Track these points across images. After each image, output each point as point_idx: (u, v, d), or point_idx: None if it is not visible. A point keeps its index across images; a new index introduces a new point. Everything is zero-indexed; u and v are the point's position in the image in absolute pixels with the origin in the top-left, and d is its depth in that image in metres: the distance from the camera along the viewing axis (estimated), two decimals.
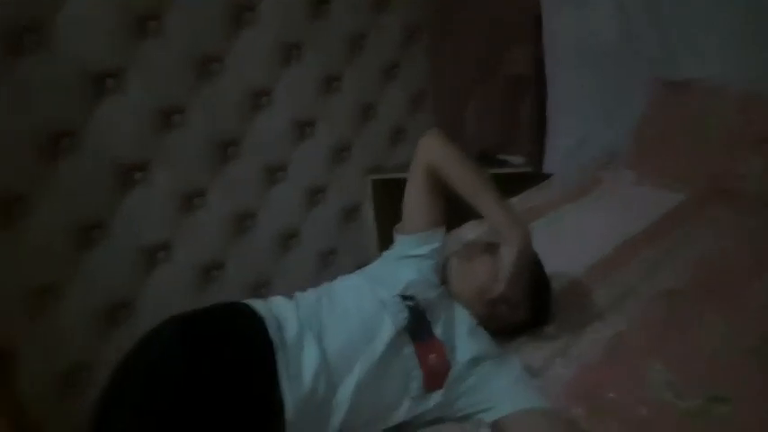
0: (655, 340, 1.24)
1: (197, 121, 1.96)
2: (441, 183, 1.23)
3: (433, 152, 1.24)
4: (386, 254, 1.30)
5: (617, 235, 1.71)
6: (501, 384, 1.08)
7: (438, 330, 1.10)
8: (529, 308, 1.24)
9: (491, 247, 1.22)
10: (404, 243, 1.26)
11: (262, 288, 2.22)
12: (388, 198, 1.96)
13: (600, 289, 1.46)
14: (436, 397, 1.05)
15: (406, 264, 1.22)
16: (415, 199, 1.26)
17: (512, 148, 2.65)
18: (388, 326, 1.05)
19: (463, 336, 1.13)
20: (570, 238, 1.73)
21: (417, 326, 1.09)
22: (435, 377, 1.05)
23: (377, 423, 1.03)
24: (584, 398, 1.09)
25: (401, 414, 1.03)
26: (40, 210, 1.65)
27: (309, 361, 0.98)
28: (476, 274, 1.21)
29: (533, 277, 1.23)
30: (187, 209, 1.98)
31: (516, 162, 2.61)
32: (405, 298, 1.12)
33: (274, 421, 0.92)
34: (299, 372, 0.96)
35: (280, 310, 1.06)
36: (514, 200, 2.01)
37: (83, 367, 1.76)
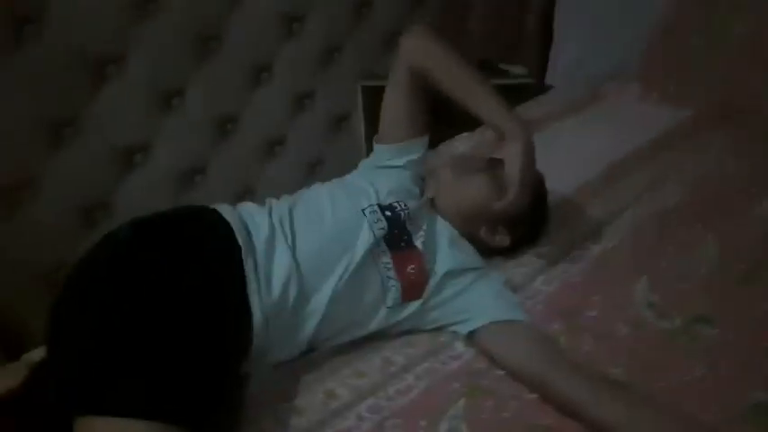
0: (643, 259, 1.20)
1: (177, 11, 1.81)
2: (425, 85, 1.12)
3: (418, 50, 1.12)
4: (364, 162, 1.22)
5: (613, 152, 1.62)
6: (480, 297, 1.04)
7: (418, 241, 1.05)
8: (527, 229, 1.18)
9: (490, 164, 1.13)
10: (382, 152, 1.19)
11: (245, 196, 2.14)
12: (380, 107, 1.86)
13: (592, 207, 1.40)
14: (412, 307, 1.01)
15: (384, 173, 1.15)
16: (396, 105, 1.16)
17: (514, 58, 2.51)
18: (366, 235, 0.99)
19: (444, 247, 1.07)
20: (565, 154, 1.63)
21: (395, 236, 1.03)
22: (413, 287, 1.01)
23: (350, 331, 0.99)
24: (562, 315, 1.06)
25: (376, 323, 1.00)
26: None
27: (280, 268, 0.93)
28: (470, 192, 1.13)
29: (535, 194, 1.14)
30: (166, 109, 1.88)
31: (518, 72, 2.47)
32: (383, 207, 1.05)
33: (241, 329, 0.88)
34: (269, 278, 0.91)
35: (250, 215, 1.00)
36: None
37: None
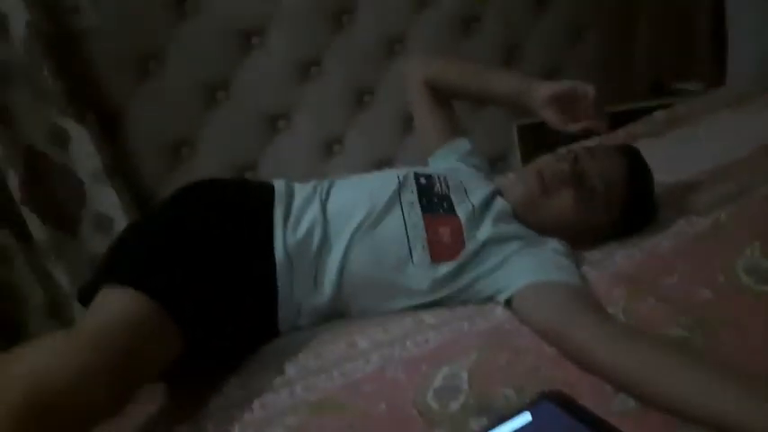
0: (759, 226, 0.96)
1: None
2: (440, 93, 1.22)
3: (419, 65, 1.24)
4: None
5: (763, 137, 1.34)
6: (522, 262, 0.95)
7: (461, 211, 1.02)
8: (616, 204, 1.05)
9: (574, 173, 1.04)
10: (434, 159, 1.24)
11: (383, 165, 2.18)
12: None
13: (721, 186, 1.17)
14: (445, 268, 0.97)
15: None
16: (425, 123, 1.26)
17: (688, 74, 2.26)
18: (392, 189, 1.02)
19: (490, 220, 1.02)
20: (706, 144, 1.42)
21: (434, 201, 1.03)
22: (444, 248, 0.98)
23: (378, 290, 0.98)
24: (632, 281, 0.90)
25: (404, 282, 0.97)
26: None
27: (308, 215, 0.99)
28: (558, 209, 1.05)
29: (632, 170, 1.06)
30: (305, 79, 2.02)
31: (694, 89, 2.22)
32: (419, 175, 1.08)
33: (263, 263, 0.94)
34: (297, 223, 0.98)
35: (302, 186, 1.08)
36: (658, 113, 1.72)
37: None
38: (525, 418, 0.67)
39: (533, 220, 1.06)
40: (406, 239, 0.98)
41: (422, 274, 0.97)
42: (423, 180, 1.07)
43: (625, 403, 0.67)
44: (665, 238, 1.03)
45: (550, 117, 1.06)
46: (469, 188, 1.08)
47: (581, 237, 1.06)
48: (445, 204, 1.03)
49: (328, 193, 1.05)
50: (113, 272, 0.89)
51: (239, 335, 0.93)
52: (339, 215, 1.00)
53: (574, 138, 1.31)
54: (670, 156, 1.37)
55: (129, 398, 0.78)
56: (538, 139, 2.46)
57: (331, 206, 1.01)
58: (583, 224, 1.05)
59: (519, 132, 2.44)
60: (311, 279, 0.97)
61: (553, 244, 1.01)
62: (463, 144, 1.23)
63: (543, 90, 1.06)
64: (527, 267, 0.94)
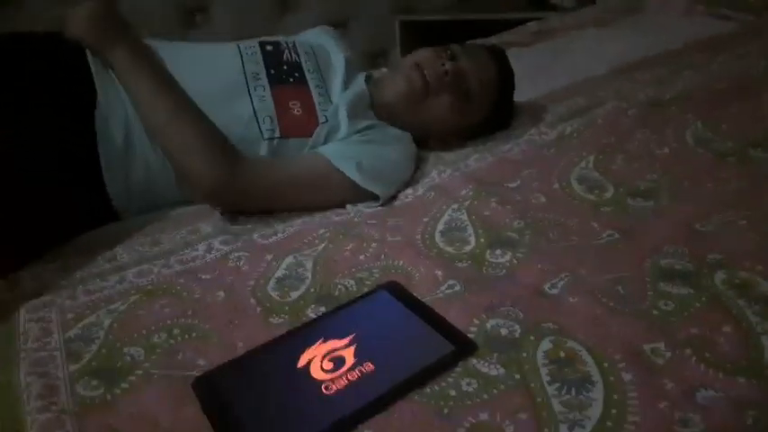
0: (606, 141, 1.02)
1: None
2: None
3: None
4: None
5: (632, 55, 1.42)
6: (353, 148, 0.95)
7: (312, 82, 0.99)
8: (486, 106, 1.06)
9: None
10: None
11: None
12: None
13: (573, 102, 1.23)
14: (297, 144, 0.94)
15: None
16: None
17: None
18: (232, 64, 0.96)
19: (346, 104, 0.98)
20: (570, 58, 1.48)
21: (282, 70, 0.98)
22: (295, 123, 0.95)
23: None
24: (479, 183, 0.94)
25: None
26: None
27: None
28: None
29: (503, 73, 1.08)
30: None
31: (568, 5, 2.27)
32: (264, 43, 1.01)
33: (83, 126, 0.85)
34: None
35: None
36: (531, 24, 1.74)
37: None
38: (362, 305, 0.71)
39: (402, 119, 1.04)
40: (252, 116, 0.93)
41: (273, 149, 0.93)
42: (269, 47, 1.01)
43: (452, 287, 0.71)
44: (516, 146, 1.07)
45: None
46: (325, 59, 1.04)
47: (441, 136, 1.07)
48: (296, 74, 0.99)
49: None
50: None
51: (66, 217, 0.85)
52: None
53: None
54: (535, 66, 1.40)
55: None
56: (421, 35, 2.43)
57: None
58: (452, 128, 1.06)
59: (401, 28, 2.39)
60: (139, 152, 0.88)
61: (402, 144, 1.01)
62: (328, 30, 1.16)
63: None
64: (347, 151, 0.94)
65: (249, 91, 0.94)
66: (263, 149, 0.93)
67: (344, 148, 0.94)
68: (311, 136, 0.95)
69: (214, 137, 0.86)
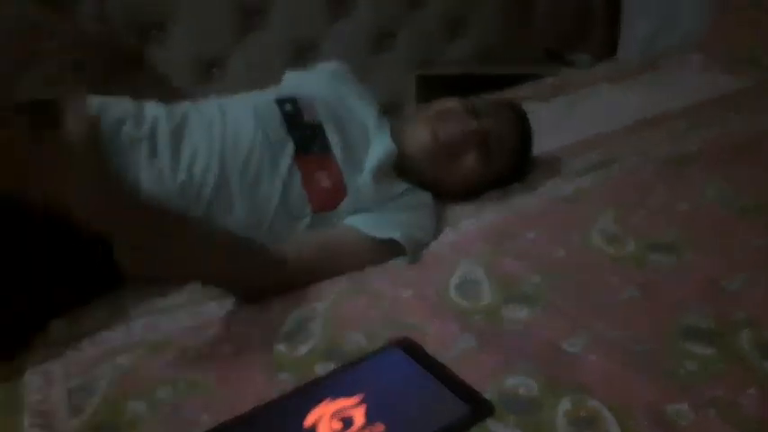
0: (623, 195, 1.01)
1: None
2: None
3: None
4: None
5: (649, 110, 1.42)
6: (391, 217, 0.93)
7: (337, 148, 0.94)
8: (507, 163, 1.06)
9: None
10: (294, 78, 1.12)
11: None
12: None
13: (591, 155, 1.22)
14: (328, 217, 0.92)
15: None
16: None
17: (582, 46, 2.34)
18: (250, 130, 0.90)
19: (371, 171, 0.96)
20: (587, 113, 1.48)
21: (300, 133, 0.94)
22: (323, 196, 0.92)
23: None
24: (496, 235, 0.92)
25: (286, 235, 0.90)
26: None
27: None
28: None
29: (524, 130, 1.09)
30: None
31: (583, 61, 2.30)
32: (282, 101, 0.96)
33: None
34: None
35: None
36: (549, 79, 1.76)
37: None
38: (373, 363, 0.68)
39: (422, 170, 1.02)
40: (283, 195, 0.89)
41: (299, 225, 0.91)
42: (288, 107, 0.95)
43: (468, 342, 0.69)
44: (532, 198, 1.05)
45: None
46: (344, 117, 0.99)
47: (458, 190, 1.06)
48: (319, 138, 0.94)
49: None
50: None
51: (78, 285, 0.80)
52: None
53: None
54: (552, 119, 1.41)
55: None
56: (437, 90, 2.45)
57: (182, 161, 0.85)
58: (471, 182, 1.05)
59: (417, 82, 2.41)
60: None
61: (430, 209, 1.00)
62: (333, 65, 1.12)
63: None
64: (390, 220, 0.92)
65: (275, 166, 0.90)
66: (293, 223, 0.90)
67: (379, 218, 0.92)
68: (340, 207, 0.92)
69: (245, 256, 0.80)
